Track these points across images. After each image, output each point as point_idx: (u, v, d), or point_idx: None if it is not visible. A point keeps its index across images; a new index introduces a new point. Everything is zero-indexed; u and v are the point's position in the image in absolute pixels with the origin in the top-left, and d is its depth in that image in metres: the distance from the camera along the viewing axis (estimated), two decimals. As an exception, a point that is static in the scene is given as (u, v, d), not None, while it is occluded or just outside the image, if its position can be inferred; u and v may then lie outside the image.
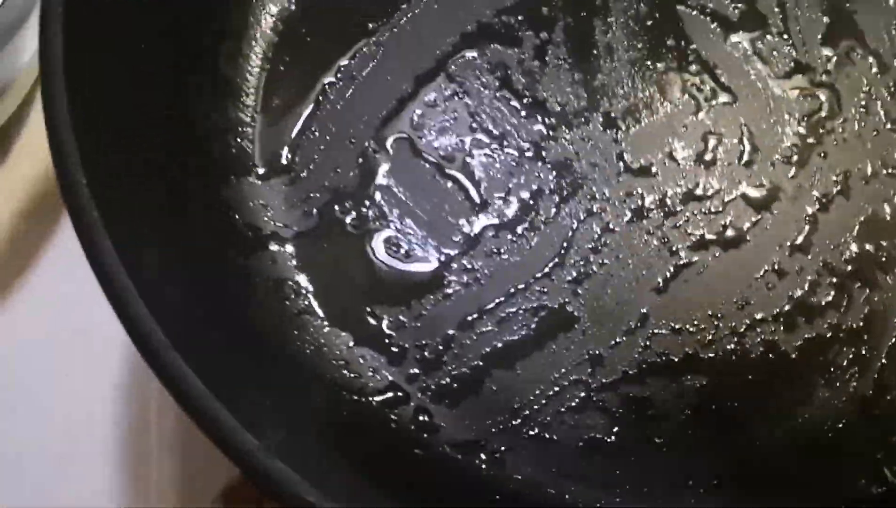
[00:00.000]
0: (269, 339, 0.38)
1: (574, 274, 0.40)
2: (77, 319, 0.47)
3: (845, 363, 0.39)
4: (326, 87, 0.43)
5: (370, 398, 0.38)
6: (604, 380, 0.39)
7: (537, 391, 0.39)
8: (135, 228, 0.35)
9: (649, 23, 0.44)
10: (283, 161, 0.42)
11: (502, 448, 0.38)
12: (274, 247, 0.41)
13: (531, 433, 0.38)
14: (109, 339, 0.46)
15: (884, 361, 0.39)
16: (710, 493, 0.37)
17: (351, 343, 0.39)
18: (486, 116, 0.43)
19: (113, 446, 0.47)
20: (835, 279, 0.40)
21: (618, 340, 0.39)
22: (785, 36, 0.44)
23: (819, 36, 0.44)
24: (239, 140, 0.42)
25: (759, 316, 0.40)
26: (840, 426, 0.38)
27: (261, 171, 0.42)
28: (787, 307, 0.40)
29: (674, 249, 0.41)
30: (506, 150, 0.42)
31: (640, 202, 0.41)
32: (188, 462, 0.42)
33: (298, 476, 0.28)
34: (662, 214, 0.41)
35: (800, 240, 0.41)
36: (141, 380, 0.47)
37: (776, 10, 0.45)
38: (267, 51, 0.44)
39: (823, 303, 0.40)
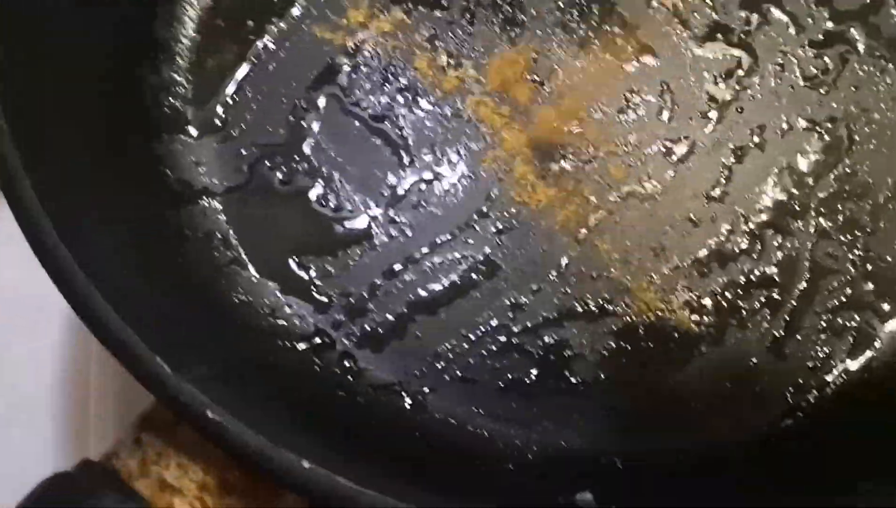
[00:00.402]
0: (198, 287, 0.39)
1: (498, 226, 0.42)
2: (17, 288, 0.48)
3: (757, 306, 0.40)
4: (260, 49, 0.44)
5: (296, 344, 0.39)
6: (524, 324, 0.40)
7: (460, 336, 0.40)
8: (65, 178, 0.36)
9: (575, -14, 0.46)
10: (216, 120, 0.43)
11: (425, 390, 0.39)
12: (204, 201, 0.42)
13: (453, 375, 0.39)
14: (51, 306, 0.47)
15: (794, 303, 0.41)
16: (625, 431, 0.38)
17: (278, 292, 0.40)
18: (415, 76, 0.44)
19: (54, 406, 0.48)
20: (749, 227, 0.42)
21: (538, 287, 0.41)
22: (706, -1, 0.46)
23: (738, -1, 0.46)
24: (173, 99, 0.43)
25: (673, 263, 0.41)
26: (751, 364, 0.40)
27: (194, 129, 0.43)
28: (701, 254, 0.41)
29: (593, 200, 0.42)
30: (433, 107, 0.43)
31: (561, 156, 0.42)
32: (124, 407, 0.43)
33: (207, 398, 0.28)
34: (583, 167, 0.43)
35: (716, 191, 0.42)
36: (82, 340, 0.48)
37: (699, -26, 0.46)
38: (202, 14, 0.45)
39: (737, 250, 0.41)
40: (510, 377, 0.39)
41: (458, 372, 0.39)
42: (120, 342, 0.30)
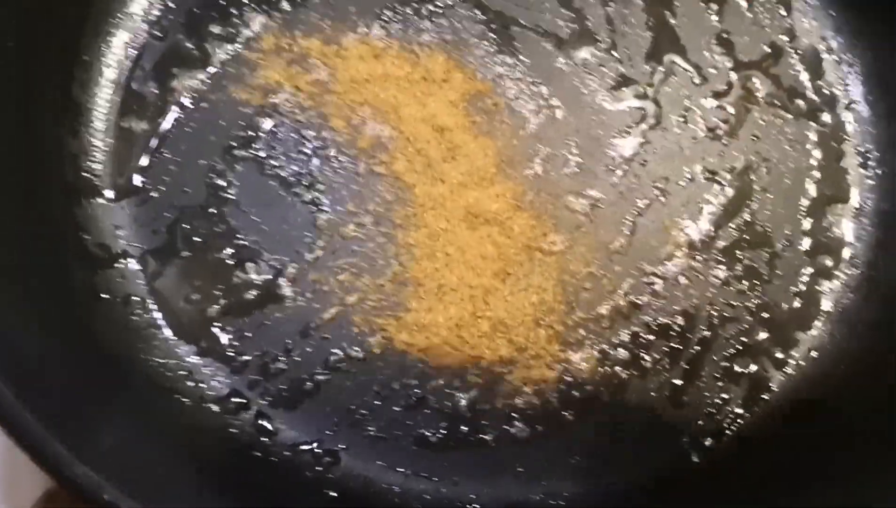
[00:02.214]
0: (111, 352, 0.40)
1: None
2: None
3: (658, 356, 0.42)
4: (177, 110, 0.45)
5: (211, 406, 0.41)
6: (434, 382, 0.41)
7: (373, 394, 0.41)
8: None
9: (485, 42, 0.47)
10: (134, 182, 0.44)
11: (338, 448, 0.40)
12: (122, 264, 0.43)
13: (367, 432, 0.41)
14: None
15: (693, 352, 0.42)
16: (526, 480, 0.40)
17: (195, 354, 0.41)
18: (331, 134, 0.45)
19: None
20: (651, 280, 0.43)
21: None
22: (612, 52, 0.47)
23: (644, 51, 0.47)
24: (90, 162, 0.44)
25: (576, 317, 0.42)
26: (651, 414, 0.41)
27: (111, 192, 0.44)
28: (603, 308, 0.43)
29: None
30: (349, 164, 0.44)
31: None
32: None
33: (104, 478, 0.30)
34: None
35: (619, 244, 0.44)
36: None
37: (606, 26, 0.47)
38: (119, 76, 0.45)
39: (639, 302, 0.43)
40: (421, 432, 0.41)
41: (371, 429, 0.41)
42: (14, 423, 0.31)
